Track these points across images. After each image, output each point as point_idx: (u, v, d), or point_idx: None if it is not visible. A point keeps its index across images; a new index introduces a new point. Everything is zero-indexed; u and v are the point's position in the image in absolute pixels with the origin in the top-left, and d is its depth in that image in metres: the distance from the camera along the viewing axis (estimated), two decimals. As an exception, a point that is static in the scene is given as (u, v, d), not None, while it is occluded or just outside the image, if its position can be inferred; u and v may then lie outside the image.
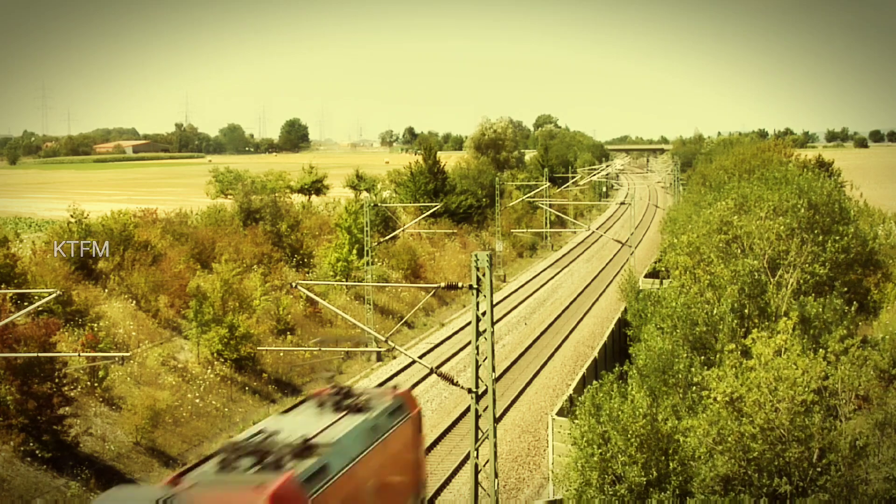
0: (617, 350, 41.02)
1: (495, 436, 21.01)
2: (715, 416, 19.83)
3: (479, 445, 21.27)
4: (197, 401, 38.14)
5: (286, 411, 20.81)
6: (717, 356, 23.33)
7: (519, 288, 68.65)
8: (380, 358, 47.92)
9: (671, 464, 19.72)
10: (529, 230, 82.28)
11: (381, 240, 58.95)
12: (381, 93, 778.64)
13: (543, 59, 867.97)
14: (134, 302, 43.03)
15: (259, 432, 18.57)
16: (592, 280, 72.58)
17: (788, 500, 19.34)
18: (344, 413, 19.87)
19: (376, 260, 58.29)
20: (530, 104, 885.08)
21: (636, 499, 19.44)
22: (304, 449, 17.35)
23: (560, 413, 28.02)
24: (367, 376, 45.19)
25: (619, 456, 19.61)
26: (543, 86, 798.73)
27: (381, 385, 37.63)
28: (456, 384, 23.11)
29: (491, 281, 20.61)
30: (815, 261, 29.09)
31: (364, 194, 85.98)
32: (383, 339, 24.47)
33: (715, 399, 20.00)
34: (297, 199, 79.95)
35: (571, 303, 62.54)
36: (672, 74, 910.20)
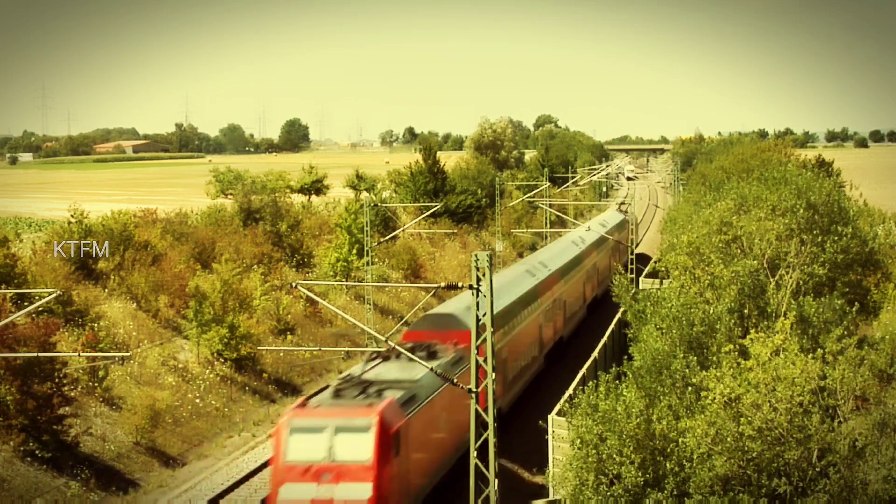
0: (617, 350, 41.02)
1: (495, 435, 21.03)
2: (713, 416, 19.86)
3: (479, 445, 21.29)
4: (197, 401, 38.17)
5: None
6: (715, 357, 23.36)
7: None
8: (380, 358, 47.86)
9: (668, 464, 19.75)
10: (529, 230, 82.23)
11: (381, 240, 58.96)
12: (381, 93, 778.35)
13: (543, 59, 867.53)
14: (134, 302, 43.07)
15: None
16: (592, 280, 72.48)
17: (787, 501, 19.38)
18: None
19: (376, 260, 58.31)
20: (530, 104, 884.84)
21: (633, 499, 19.47)
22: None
23: (560, 413, 28.04)
24: (367, 376, 45.18)
25: (615, 456, 19.64)
26: (543, 86, 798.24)
27: None
28: (455, 384, 23.13)
29: (491, 281, 20.63)
30: (814, 261, 29.11)
31: (364, 194, 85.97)
32: (383, 338, 24.48)
33: (713, 399, 20.04)
34: (297, 199, 79.92)
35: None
36: (672, 74, 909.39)
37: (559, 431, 26.80)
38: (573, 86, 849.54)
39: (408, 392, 24.98)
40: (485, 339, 20.78)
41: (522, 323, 37.72)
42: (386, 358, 27.72)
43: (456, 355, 28.68)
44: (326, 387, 25.58)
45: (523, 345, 37.65)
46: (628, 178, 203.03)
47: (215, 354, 41.15)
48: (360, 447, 22.35)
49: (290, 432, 23.04)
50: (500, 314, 32.09)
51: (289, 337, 47.03)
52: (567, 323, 48.48)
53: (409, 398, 24.90)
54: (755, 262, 28.35)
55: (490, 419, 20.99)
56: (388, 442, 22.78)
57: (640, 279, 53.31)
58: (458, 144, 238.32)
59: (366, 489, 22.02)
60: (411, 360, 25.06)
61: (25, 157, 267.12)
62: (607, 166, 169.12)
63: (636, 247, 75.54)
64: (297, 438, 22.67)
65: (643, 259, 71.77)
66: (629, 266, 55.28)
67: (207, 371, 40.44)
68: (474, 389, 21.09)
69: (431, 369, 23.28)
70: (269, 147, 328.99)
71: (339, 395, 24.25)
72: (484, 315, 20.86)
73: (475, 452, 21.25)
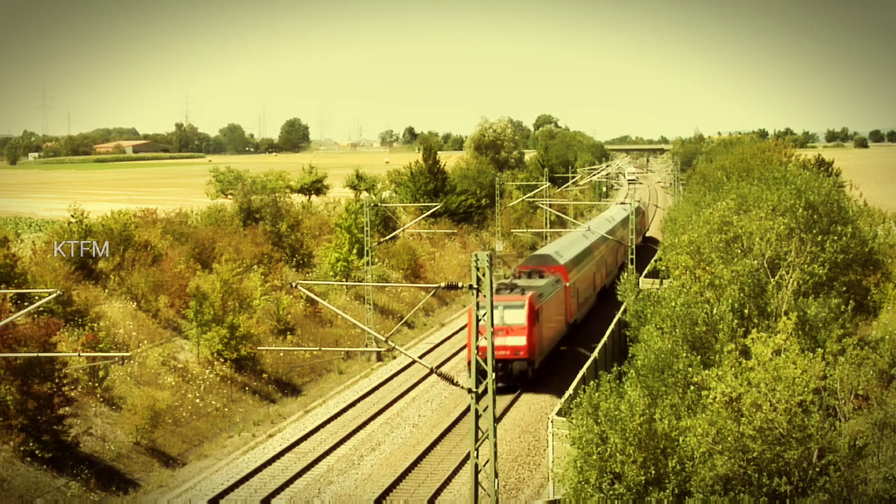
0: (617, 351, 41.04)
1: (495, 436, 21.03)
2: (714, 415, 19.86)
3: (479, 445, 21.29)
4: (197, 401, 38.17)
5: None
6: (717, 356, 23.36)
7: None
8: (380, 358, 47.96)
9: (670, 463, 19.75)
10: (529, 230, 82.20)
11: (382, 240, 58.96)
12: (381, 93, 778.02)
13: (543, 59, 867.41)
14: (134, 302, 43.06)
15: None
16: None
17: (788, 500, 19.38)
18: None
19: (376, 260, 58.31)
20: (530, 104, 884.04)
21: (635, 498, 19.48)
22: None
23: (560, 413, 28.05)
24: (368, 376, 45.23)
25: (617, 455, 19.64)
26: (543, 86, 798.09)
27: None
28: (456, 384, 23.13)
29: (491, 281, 20.64)
30: (814, 261, 29.12)
31: (364, 194, 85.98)
32: (383, 338, 24.46)
33: (714, 399, 20.04)
34: (297, 199, 79.96)
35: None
36: (672, 74, 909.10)
37: (560, 431, 26.79)
38: (573, 86, 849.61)
39: (537, 291, 41.81)
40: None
41: (584, 268, 53.50)
42: (517, 276, 45.57)
43: (553, 278, 46.06)
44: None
45: (585, 282, 53.57)
46: (630, 181, 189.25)
47: (215, 354, 41.15)
48: (518, 316, 39.44)
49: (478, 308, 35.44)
50: (573, 258, 51.43)
51: (289, 337, 47.03)
52: (608, 276, 62.41)
53: (539, 294, 41.61)
54: (755, 261, 28.37)
55: (490, 419, 20.98)
56: (533, 314, 39.89)
57: (640, 279, 53.32)
58: (458, 144, 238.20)
59: (522, 339, 39.39)
60: (530, 276, 45.31)
61: (30, 156, 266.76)
62: (607, 166, 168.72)
63: (646, 232, 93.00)
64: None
65: (655, 241, 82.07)
66: (630, 255, 56.53)
67: (207, 371, 40.44)
68: (474, 390, 21.07)
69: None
70: (269, 147, 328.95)
71: (499, 292, 40.77)
72: (484, 314, 20.84)
73: (475, 452, 21.23)
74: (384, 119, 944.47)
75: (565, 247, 53.87)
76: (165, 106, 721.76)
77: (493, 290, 40.24)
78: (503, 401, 38.36)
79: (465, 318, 56.78)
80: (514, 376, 39.66)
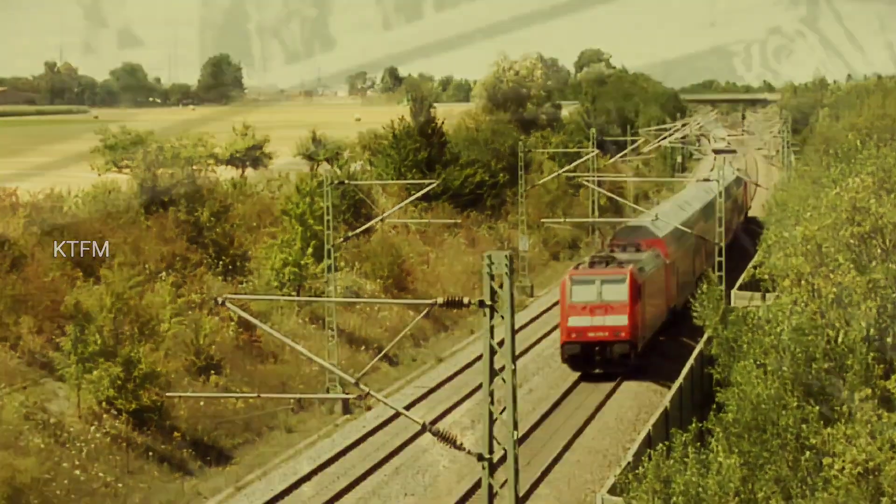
0: (698, 397, 41.12)
1: (516, 462, 21.05)
2: (842, 495, 19.89)
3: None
4: (77, 472, 38.17)
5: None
6: (845, 406, 23.37)
7: (553, 306, 68.63)
8: (348, 409, 47.94)
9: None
10: (568, 220, 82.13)
11: (350, 234, 58.97)
12: (351, 17, 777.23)
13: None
14: (-17, 326, 43.11)
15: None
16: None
17: None
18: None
19: (342, 264, 58.36)
20: (570, 35, 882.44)
21: None
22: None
23: (613, 491, 28.09)
24: (330, 435, 45.23)
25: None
26: (588, 7, 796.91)
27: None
28: (460, 448, 23.14)
29: (512, 295, 20.65)
30: None
31: (324, 166, 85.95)
32: (353, 380, 24.44)
33: (841, 470, 20.06)
34: (226, 173, 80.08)
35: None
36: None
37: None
38: (633, 6, 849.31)
39: (637, 265, 51.64)
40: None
41: (684, 246, 64.61)
42: (611, 248, 56.15)
43: (653, 253, 56.30)
44: (580, 262, 56.22)
45: (685, 263, 64.97)
46: (717, 152, 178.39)
47: (104, 404, 41.14)
48: (619, 292, 48.84)
49: (572, 284, 50.27)
50: (672, 231, 61.48)
51: (213, 378, 47.02)
52: (708, 258, 70.02)
53: (640, 269, 51.39)
54: (904, 267, 28.36)
55: (511, 499, 21.03)
56: (635, 290, 49.48)
57: (733, 292, 53.38)
58: (465, 94, 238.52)
59: (623, 318, 48.69)
60: (625, 250, 55.59)
61: None
62: (684, 125, 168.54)
63: (748, 210, 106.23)
64: (577, 288, 49.60)
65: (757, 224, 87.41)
66: (719, 258, 58.09)
67: (92, 428, 40.44)
68: (487, 456, 21.13)
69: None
70: (184, 97, 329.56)
71: (593, 265, 51.69)
72: (501, 345, 20.89)
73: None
74: (354, 55, 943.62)
75: (660, 219, 63.03)
76: (31, 39, 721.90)
77: (587, 263, 53.89)
78: (529, 472, 38.37)
79: (475, 347, 57.31)
80: (613, 361, 49.13)
